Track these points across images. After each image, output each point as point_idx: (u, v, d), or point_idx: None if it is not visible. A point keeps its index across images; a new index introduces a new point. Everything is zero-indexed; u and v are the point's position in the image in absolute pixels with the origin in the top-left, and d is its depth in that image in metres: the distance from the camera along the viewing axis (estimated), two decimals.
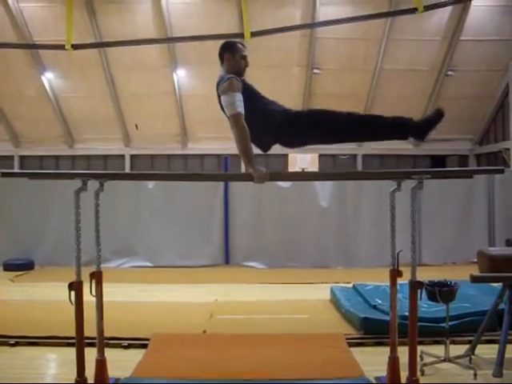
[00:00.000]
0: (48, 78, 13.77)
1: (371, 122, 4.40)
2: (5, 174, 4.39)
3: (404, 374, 4.18)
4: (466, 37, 12.79)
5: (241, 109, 4.11)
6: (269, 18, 11.91)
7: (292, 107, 4.47)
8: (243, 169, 13.67)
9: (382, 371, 4.57)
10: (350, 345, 5.89)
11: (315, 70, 13.30)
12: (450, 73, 13.52)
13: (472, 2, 12.31)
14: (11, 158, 15.21)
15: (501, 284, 5.34)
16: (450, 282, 5.25)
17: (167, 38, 12.59)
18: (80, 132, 14.92)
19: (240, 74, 4.40)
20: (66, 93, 14.11)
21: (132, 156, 15.32)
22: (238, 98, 4.15)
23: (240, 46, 4.51)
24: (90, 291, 4.25)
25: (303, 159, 14.86)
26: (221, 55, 4.50)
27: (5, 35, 12.41)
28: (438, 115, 4.40)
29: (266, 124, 4.20)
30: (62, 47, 10.99)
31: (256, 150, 4.18)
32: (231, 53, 4.45)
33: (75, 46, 10.93)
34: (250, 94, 4.26)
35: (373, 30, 12.51)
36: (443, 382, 4.85)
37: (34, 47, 12.87)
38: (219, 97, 4.29)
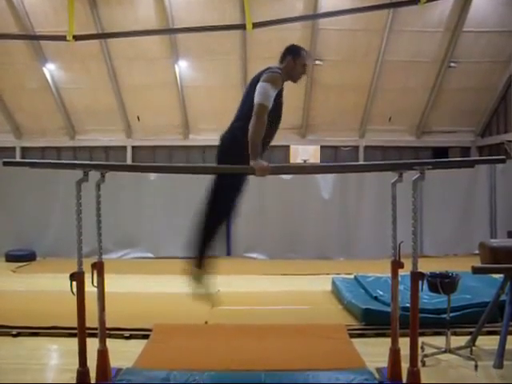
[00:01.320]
0: (49, 69, 13.74)
1: (212, 224, 4.83)
2: (6, 163, 4.39)
3: (405, 365, 4.19)
4: (468, 28, 12.73)
5: (269, 104, 4.14)
6: (271, 10, 11.86)
7: None
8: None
9: (383, 362, 4.57)
10: (352, 336, 5.90)
11: (317, 62, 13.26)
12: (452, 64, 13.46)
13: None
14: (13, 149, 15.21)
15: (502, 275, 5.34)
16: (452, 274, 5.26)
17: (169, 29, 12.55)
18: (82, 123, 14.91)
19: (293, 78, 4.49)
20: (68, 84, 14.09)
21: (134, 147, 15.31)
22: (273, 93, 4.18)
23: (305, 53, 4.55)
24: (92, 282, 4.26)
25: (305, 151, 14.84)
26: (284, 55, 4.53)
27: (6, 26, 12.38)
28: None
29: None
30: (63, 38, 10.97)
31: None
32: (294, 57, 4.49)
33: (77, 37, 10.92)
34: (276, 101, 4.27)
35: (375, 21, 12.46)
36: (444, 373, 4.86)
37: (36, 38, 12.84)
38: (254, 83, 4.30)
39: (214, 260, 4.69)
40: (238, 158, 4.23)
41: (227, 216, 4.62)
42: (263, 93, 4.14)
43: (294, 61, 4.46)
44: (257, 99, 4.14)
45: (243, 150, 4.19)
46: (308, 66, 4.56)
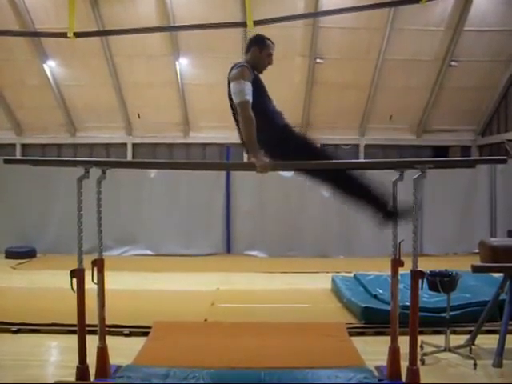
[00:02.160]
0: (50, 66, 13.71)
1: (360, 186, 4.40)
2: (7, 161, 4.39)
3: (404, 364, 4.20)
4: (469, 27, 12.71)
5: (249, 97, 4.12)
6: (272, 7, 11.83)
7: (292, 123, 4.50)
8: (245, 158, 13.65)
9: (383, 360, 4.58)
10: (351, 334, 5.91)
11: (318, 60, 13.23)
12: (453, 63, 13.44)
13: None
14: (13, 146, 15.20)
15: (502, 274, 5.34)
16: (452, 272, 5.26)
17: (170, 26, 12.53)
18: (82, 120, 14.89)
19: (259, 69, 4.47)
20: (68, 81, 14.06)
21: (134, 145, 15.29)
22: (248, 86, 4.16)
23: (269, 43, 4.57)
24: (92, 279, 4.27)
25: None
26: (248, 46, 4.56)
27: (6, 23, 12.35)
28: (406, 215, 4.27)
29: (261, 128, 4.14)
30: (64, 35, 10.96)
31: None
32: (259, 47, 4.51)
33: (77, 34, 10.90)
34: (257, 91, 4.25)
35: (376, 19, 12.44)
36: (443, 372, 4.87)
37: (36, 35, 12.81)
38: (229, 84, 4.29)
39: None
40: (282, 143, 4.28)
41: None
42: (238, 91, 4.13)
43: (259, 51, 4.49)
44: (235, 100, 4.14)
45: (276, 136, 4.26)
46: (272, 56, 4.54)
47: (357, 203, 4.41)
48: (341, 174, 4.40)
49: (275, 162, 4.16)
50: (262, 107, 4.25)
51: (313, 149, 4.46)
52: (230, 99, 4.32)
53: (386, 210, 4.36)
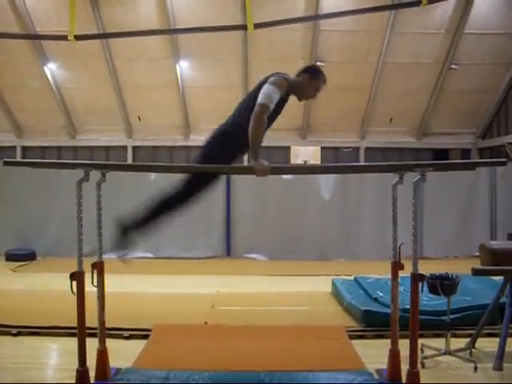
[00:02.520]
0: (50, 68, 13.74)
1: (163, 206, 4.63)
2: (7, 163, 4.39)
3: (405, 367, 4.19)
4: (469, 30, 12.73)
5: (271, 105, 4.10)
6: (272, 10, 11.85)
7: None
8: (245, 161, 13.66)
9: (383, 364, 4.58)
10: (351, 337, 5.90)
11: (318, 63, 13.25)
12: (453, 66, 13.47)
13: None
14: (13, 148, 15.22)
15: (502, 278, 5.34)
16: (452, 275, 5.25)
17: (170, 29, 12.55)
18: (82, 123, 14.91)
19: (300, 96, 4.46)
20: (69, 84, 14.09)
21: (134, 147, 15.31)
22: (277, 97, 4.15)
23: (323, 78, 4.50)
24: (92, 281, 4.27)
25: (305, 151, 14.84)
26: (301, 71, 4.50)
27: (7, 25, 12.37)
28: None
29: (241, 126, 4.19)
30: (64, 38, 10.96)
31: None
32: (311, 76, 4.45)
33: (78, 37, 10.89)
34: (275, 108, 4.22)
35: (376, 22, 12.46)
36: (444, 375, 4.86)
37: (37, 37, 12.84)
38: (260, 84, 4.27)
39: (141, 236, 4.64)
40: (225, 149, 4.28)
41: (186, 203, 4.50)
42: (267, 94, 4.11)
43: (309, 80, 4.42)
44: (259, 99, 4.10)
45: (232, 142, 4.26)
46: (319, 92, 4.50)
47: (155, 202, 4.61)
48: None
49: (275, 167, 4.15)
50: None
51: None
52: (250, 96, 4.31)
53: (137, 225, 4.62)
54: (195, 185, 4.41)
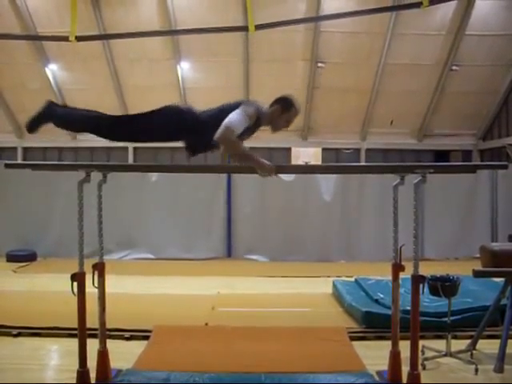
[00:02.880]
0: (52, 69, 13.76)
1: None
2: (8, 165, 4.39)
3: (405, 369, 4.19)
4: (470, 32, 12.73)
5: (236, 130, 3.95)
6: (273, 12, 11.86)
7: None
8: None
9: (384, 365, 4.57)
10: (352, 339, 5.90)
11: (319, 64, 13.26)
12: (454, 68, 13.47)
13: None
14: (14, 149, 15.23)
15: (503, 279, 5.33)
16: (453, 277, 5.25)
17: (171, 30, 12.56)
18: None
19: (272, 128, 4.33)
20: (70, 85, 14.10)
21: (135, 148, 15.33)
22: (244, 122, 4.00)
23: (295, 111, 4.36)
24: (93, 282, 4.27)
25: (306, 153, 14.85)
26: (276, 101, 4.36)
27: (8, 26, 12.39)
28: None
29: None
30: (65, 39, 10.97)
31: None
32: (283, 109, 4.31)
33: (79, 38, 10.90)
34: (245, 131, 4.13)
35: (377, 24, 12.47)
36: (444, 377, 4.86)
37: (38, 38, 12.84)
38: (229, 107, 4.13)
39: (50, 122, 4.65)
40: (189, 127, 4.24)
41: (113, 134, 4.33)
42: (235, 118, 3.94)
43: (281, 112, 4.29)
44: (226, 121, 3.92)
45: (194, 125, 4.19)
46: (291, 124, 4.39)
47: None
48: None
49: (278, 165, 4.13)
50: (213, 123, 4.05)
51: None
52: (215, 114, 4.18)
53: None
54: (137, 127, 4.26)
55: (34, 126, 4.43)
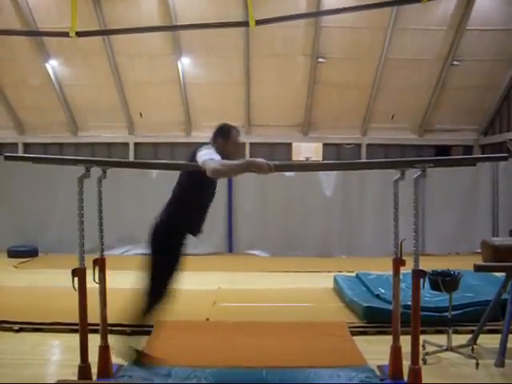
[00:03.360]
0: (52, 65, 13.73)
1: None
2: (8, 158, 4.39)
3: (406, 363, 4.19)
4: (471, 26, 12.68)
5: (214, 156, 4.08)
6: (274, 7, 11.82)
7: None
8: (247, 157, 13.68)
9: (385, 360, 4.58)
10: (353, 333, 5.91)
11: (320, 59, 13.23)
12: (455, 63, 13.42)
13: None
14: (15, 145, 15.22)
15: (504, 274, 5.34)
16: (453, 272, 5.26)
17: (172, 25, 12.52)
18: (84, 120, 14.90)
19: (228, 157, 4.33)
20: (70, 80, 14.08)
21: (136, 144, 15.30)
22: (214, 156, 4.11)
23: (234, 133, 4.51)
24: (94, 278, 4.27)
25: (307, 148, 14.82)
26: (215, 136, 4.51)
27: (9, 22, 12.36)
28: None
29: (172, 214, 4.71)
30: (66, 34, 10.96)
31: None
32: (224, 139, 4.47)
33: (79, 34, 10.89)
34: (201, 190, 4.51)
35: (378, 19, 12.42)
36: (445, 372, 4.86)
37: (38, 34, 12.82)
38: (191, 158, 4.30)
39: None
40: (165, 240, 4.61)
41: (163, 293, 4.77)
42: (204, 154, 4.08)
43: (224, 142, 4.46)
44: (200, 160, 4.05)
45: (167, 234, 4.60)
46: (240, 144, 4.52)
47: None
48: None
49: (277, 164, 4.12)
50: (191, 206, 4.50)
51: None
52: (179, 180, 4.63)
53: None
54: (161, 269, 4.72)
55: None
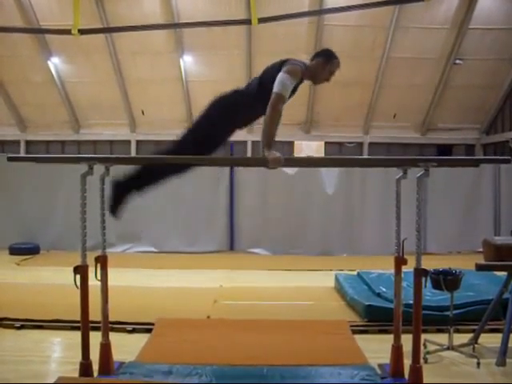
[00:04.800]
0: (54, 63, 13.73)
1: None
2: (11, 159, 4.39)
3: (407, 362, 4.19)
4: (474, 25, 12.67)
5: (287, 94, 4.14)
6: (276, 5, 11.82)
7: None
8: (249, 155, 13.67)
9: (386, 358, 4.58)
10: (354, 332, 5.91)
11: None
12: (457, 61, 13.40)
13: None
14: (17, 142, 15.23)
15: (505, 273, 5.33)
16: (455, 271, 5.25)
17: (174, 23, 12.52)
18: (86, 117, 14.91)
19: (315, 80, 4.46)
20: (73, 78, 14.08)
21: (138, 142, 15.31)
22: (291, 85, 4.16)
23: (336, 61, 4.44)
24: (95, 275, 4.27)
25: (309, 146, 14.82)
26: (315, 55, 4.48)
27: (11, 19, 12.36)
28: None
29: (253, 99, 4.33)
30: (68, 32, 10.96)
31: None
32: (325, 61, 4.41)
33: (82, 31, 10.88)
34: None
35: (381, 17, 12.41)
36: (446, 370, 4.86)
37: (41, 32, 12.82)
38: (273, 68, 4.29)
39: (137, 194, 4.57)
40: (229, 115, 4.40)
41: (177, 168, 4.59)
42: (282, 83, 4.11)
43: (324, 64, 4.39)
44: (275, 89, 4.10)
45: (239, 110, 4.40)
46: (333, 75, 4.46)
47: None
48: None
49: (287, 157, 4.15)
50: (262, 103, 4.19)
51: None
52: (260, 79, 4.35)
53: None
54: (200, 135, 4.43)
55: (114, 209, 4.46)
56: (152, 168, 4.50)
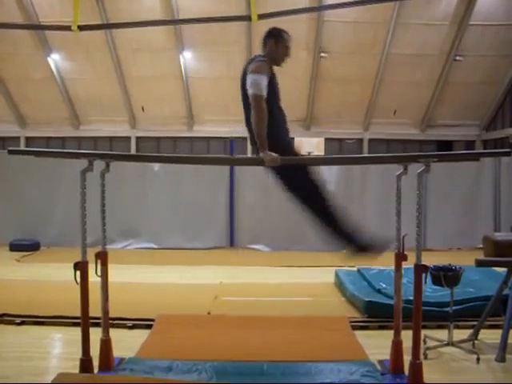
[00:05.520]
0: (54, 59, 13.72)
1: (336, 220, 4.54)
2: (11, 152, 4.39)
3: (407, 358, 4.20)
4: (474, 21, 12.66)
5: (264, 92, 4.16)
6: (276, 1, 11.81)
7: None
8: (249, 151, 13.66)
9: (386, 354, 4.59)
10: (354, 328, 5.91)
11: (322, 54, 13.21)
12: (458, 58, 13.40)
13: None
14: (17, 139, 15.23)
15: (505, 269, 5.34)
16: (455, 267, 5.25)
17: (174, 19, 12.51)
18: (86, 114, 14.90)
19: (277, 62, 4.48)
20: (73, 74, 14.07)
21: (138, 138, 15.31)
22: (264, 81, 4.19)
23: (285, 35, 4.51)
24: (96, 271, 4.28)
25: (309, 143, 14.80)
26: (265, 40, 4.53)
27: (11, 16, 12.35)
28: (382, 248, 4.50)
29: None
30: (68, 28, 10.95)
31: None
32: (275, 40, 4.47)
33: (82, 28, 10.88)
34: (271, 94, 4.27)
35: (381, 13, 12.40)
36: (446, 366, 4.87)
37: (41, 28, 12.81)
38: (244, 76, 4.32)
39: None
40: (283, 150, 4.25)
41: (328, 199, 4.58)
42: (254, 83, 4.15)
43: (276, 44, 4.46)
44: (250, 91, 4.17)
45: (279, 143, 4.26)
46: (290, 49, 4.53)
47: (324, 229, 4.61)
48: (317, 199, 4.54)
49: (284, 158, 4.15)
50: (271, 117, 4.21)
51: (314, 186, 4.58)
52: (244, 92, 4.34)
53: (357, 245, 4.52)
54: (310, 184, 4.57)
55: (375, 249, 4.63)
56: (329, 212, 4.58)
